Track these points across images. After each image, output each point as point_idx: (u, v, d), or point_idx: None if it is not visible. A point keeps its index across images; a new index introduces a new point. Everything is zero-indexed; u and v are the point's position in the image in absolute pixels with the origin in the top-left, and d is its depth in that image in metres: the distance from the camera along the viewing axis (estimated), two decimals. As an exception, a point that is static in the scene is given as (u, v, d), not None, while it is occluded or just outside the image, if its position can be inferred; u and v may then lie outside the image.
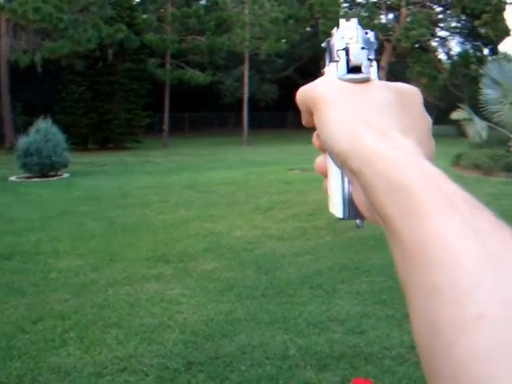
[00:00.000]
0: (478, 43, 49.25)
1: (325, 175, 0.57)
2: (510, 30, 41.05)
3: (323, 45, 0.59)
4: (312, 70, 47.75)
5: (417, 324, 0.40)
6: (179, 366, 4.37)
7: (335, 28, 0.58)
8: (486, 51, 49.16)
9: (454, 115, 18.55)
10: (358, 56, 0.54)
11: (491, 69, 17.54)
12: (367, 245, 7.80)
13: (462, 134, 20.74)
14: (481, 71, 19.51)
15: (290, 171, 17.05)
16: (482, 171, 16.13)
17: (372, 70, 0.55)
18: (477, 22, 38.67)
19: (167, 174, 18.25)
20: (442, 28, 51.61)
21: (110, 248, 8.07)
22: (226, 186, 14.18)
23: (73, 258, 7.57)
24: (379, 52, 42.29)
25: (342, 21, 0.58)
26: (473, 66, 40.79)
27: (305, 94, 0.56)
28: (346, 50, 0.55)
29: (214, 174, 17.40)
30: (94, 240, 8.58)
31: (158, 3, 35.26)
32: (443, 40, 52.80)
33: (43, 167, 16.50)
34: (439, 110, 50.32)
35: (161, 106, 35.86)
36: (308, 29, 45.01)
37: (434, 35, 49.34)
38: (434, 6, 47.13)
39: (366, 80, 0.54)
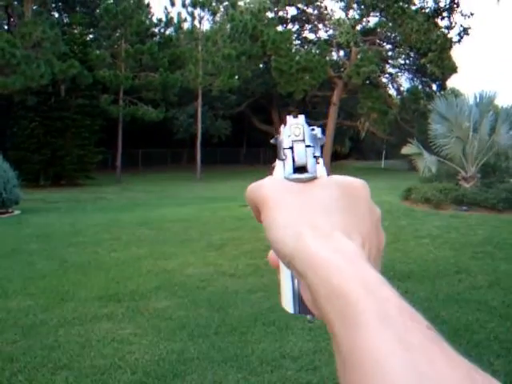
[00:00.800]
0: (426, 79, 50.40)
1: (278, 268, 0.58)
2: (456, 68, 42.15)
3: (272, 141, 0.61)
4: (264, 105, 48.29)
5: None
6: (130, 408, 4.32)
7: (283, 125, 0.60)
8: (434, 87, 50.35)
9: (404, 150, 18.92)
10: (303, 156, 0.56)
11: (439, 104, 17.95)
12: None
13: (412, 168, 21.12)
14: (429, 107, 19.97)
15: (242, 207, 17.06)
16: (432, 204, 16.42)
17: (318, 167, 0.56)
18: (423, 60, 39.59)
19: (120, 210, 18.11)
20: (391, 65, 52.69)
21: (61, 287, 7.95)
22: (178, 222, 14.13)
23: (23, 298, 7.43)
24: (331, 88, 42.99)
25: (289, 118, 0.60)
26: (422, 102, 41.74)
27: (253, 193, 0.57)
28: (292, 149, 0.57)
29: (167, 210, 17.34)
30: (44, 279, 8.44)
31: (112, 39, 35.25)
32: (393, 76, 53.85)
33: (-7, 204, 16.24)
34: (390, 145, 51.19)
35: (114, 142, 35.69)
36: (261, 65, 45.46)
37: (383, 71, 50.37)
38: (384, 44, 48.14)
39: (312, 179, 0.55)
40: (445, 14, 38.86)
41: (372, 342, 0.41)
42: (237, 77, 38.11)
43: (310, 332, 5.91)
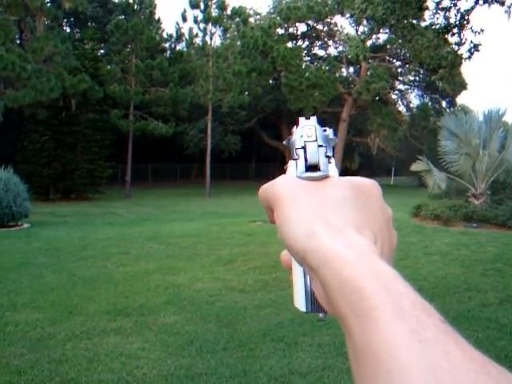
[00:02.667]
0: (436, 96, 50.46)
1: (290, 268, 0.58)
2: (466, 84, 42.18)
3: (284, 142, 0.62)
4: (274, 121, 48.40)
5: None
6: (138, 423, 4.29)
7: (295, 127, 0.61)
8: (444, 103, 50.37)
9: (414, 167, 18.88)
10: (315, 155, 0.57)
11: (449, 121, 17.91)
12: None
13: (422, 184, 21.08)
14: (439, 123, 19.93)
15: (251, 223, 17.05)
16: (442, 221, 16.35)
17: (330, 167, 0.57)
18: (433, 77, 39.58)
19: (129, 225, 18.13)
20: (401, 81, 52.80)
21: (70, 301, 7.95)
22: (187, 237, 14.11)
23: (31, 311, 7.42)
24: (341, 104, 43.05)
25: (301, 119, 0.61)
26: (431, 119, 41.71)
27: (265, 192, 0.58)
28: (304, 149, 0.57)
29: (176, 225, 17.34)
30: (53, 293, 8.44)
31: (123, 55, 35.44)
32: (403, 93, 53.97)
33: (3, 217, 16.27)
34: (399, 162, 51.20)
35: (124, 156, 35.79)
36: (270, 81, 45.62)
37: (393, 88, 50.48)
38: (393, 60, 48.25)
39: (324, 177, 0.56)
40: (455, 30, 38.88)
41: (386, 336, 0.41)
42: (247, 93, 38.23)
43: (318, 348, 5.88)
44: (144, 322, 6.96)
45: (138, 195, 34.07)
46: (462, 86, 42.09)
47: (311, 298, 0.55)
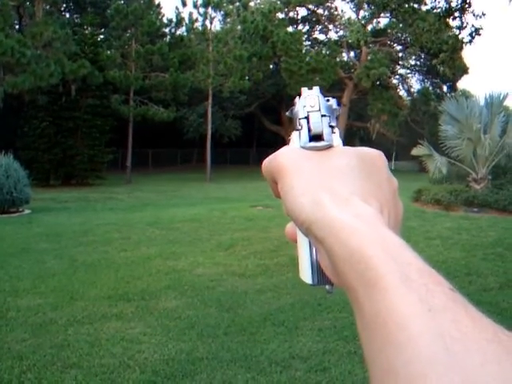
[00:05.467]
0: (437, 81, 50.30)
1: (295, 242, 0.58)
2: (467, 69, 42.05)
3: (287, 114, 0.61)
4: (275, 106, 48.27)
5: None
6: (139, 407, 4.31)
7: (297, 97, 0.60)
8: (445, 88, 50.22)
9: (415, 151, 18.86)
10: (319, 124, 0.56)
11: (450, 106, 17.88)
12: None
13: (422, 169, 21.06)
14: (440, 108, 19.89)
15: (252, 208, 17.07)
16: (443, 206, 16.37)
17: (334, 137, 0.56)
18: (434, 61, 39.45)
19: (130, 210, 18.14)
20: (402, 66, 52.61)
21: (71, 286, 7.97)
22: (188, 222, 14.13)
23: (32, 297, 7.44)
24: (341, 89, 42.93)
25: (304, 89, 0.60)
26: (432, 103, 41.59)
27: (269, 164, 0.57)
28: (308, 119, 0.57)
29: (177, 210, 17.35)
30: (54, 278, 8.46)
31: (122, 40, 35.27)
32: (403, 77, 53.78)
33: (4, 203, 16.27)
34: (400, 146, 51.11)
35: (124, 142, 35.72)
36: (271, 66, 45.46)
37: (394, 73, 50.28)
38: (394, 45, 48.07)
39: (328, 147, 0.55)
40: (456, 14, 38.70)
41: (394, 306, 0.40)
42: (247, 77, 38.11)
43: (319, 333, 5.90)
44: (145, 306, 6.98)
45: (139, 180, 34.06)
46: (463, 70, 41.94)
47: (317, 270, 0.54)
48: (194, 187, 29.91)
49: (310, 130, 0.56)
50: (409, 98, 51.58)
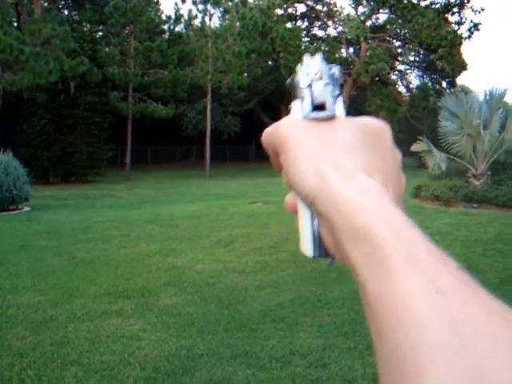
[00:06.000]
0: (436, 76, 50.29)
1: (295, 213, 0.56)
2: (466, 65, 42.02)
3: (288, 81, 0.59)
4: (274, 103, 48.21)
5: (381, 379, 0.40)
6: (139, 404, 4.32)
7: (299, 64, 0.58)
8: (444, 84, 50.21)
9: (414, 147, 18.83)
10: (322, 93, 0.54)
11: (449, 101, 17.85)
12: (329, 277, 7.83)
13: (422, 165, 21.06)
14: (439, 104, 19.88)
15: (252, 204, 17.06)
16: (442, 202, 16.35)
17: (337, 107, 0.54)
18: (433, 56, 39.49)
19: (129, 207, 18.13)
20: (401, 62, 52.58)
21: (71, 283, 7.97)
22: (187, 219, 14.12)
23: (32, 294, 7.44)
24: (340, 86, 42.89)
25: (306, 56, 0.58)
26: (431, 99, 41.58)
27: (270, 135, 0.56)
28: (310, 88, 0.55)
29: (176, 207, 17.34)
30: (54, 275, 8.45)
31: (121, 37, 35.27)
32: (402, 73, 53.77)
33: (3, 201, 16.26)
34: (399, 142, 50.98)
35: (123, 139, 35.72)
36: (270, 62, 45.44)
37: (393, 69, 50.28)
38: (393, 41, 48.05)
39: (332, 117, 0.54)
40: (455, 9, 38.76)
41: (401, 286, 0.39)
42: (246, 74, 38.10)
43: (319, 329, 5.90)
44: (145, 303, 6.98)
45: (138, 177, 34.05)
46: (462, 66, 41.88)
47: (319, 243, 0.53)
48: (194, 184, 29.92)
49: (312, 99, 0.54)
50: (408, 93, 51.60)
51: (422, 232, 0.43)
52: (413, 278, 0.39)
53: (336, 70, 0.57)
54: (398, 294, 0.39)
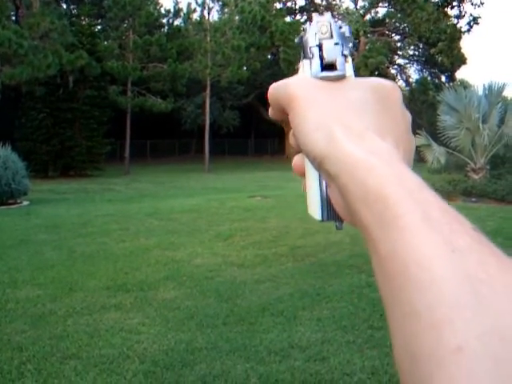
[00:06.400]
0: (435, 70, 50.27)
1: (302, 175, 0.56)
2: (465, 59, 41.99)
3: (296, 41, 0.58)
4: (273, 97, 48.07)
5: (396, 348, 0.39)
6: (139, 397, 4.32)
7: (308, 23, 0.57)
8: (443, 78, 50.19)
9: (413, 141, 18.82)
10: (332, 52, 0.53)
11: (448, 96, 17.86)
12: (328, 271, 7.84)
13: (421, 159, 21.07)
14: (438, 98, 19.89)
15: (251, 198, 17.07)
16: (441, 196, 16.32)
17: (347, 67, 0.53)
18: (433, 50, 39.47)
19: (128, 201, 18.13)
20: (400, 56, 52.55)
21: (70, 277, 7.97)
22: (187, 213, 14.12)
23: (31, 288, 7.44)
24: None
25: (315, 15, 0.56)
26: (431, 93, 41.57)
27: (277, 91, 0.55)
28: (320, 47, 0.54)
29: (175, 201, 17.34)
30: (53, 269, 8.46)
31: (120, 31, 35.22)
32: (402, 67, 53.74)
33: (2, 195, 16.26)
34: (398, 137, 51.03)
35: (122, 133, 35.70)
36: (269, 56, 45.40)
37: (392, 63, 50.24)
38: (393, 35, 47.99)
39: (342, 77, 0.53)
40: (454, 3, 38.70)
41: (415, 246, 0.38)
42: (245, 68, 38.06)
43: (318, 322, 5.91)
44: (144, 297, 6.99)
45: (137, 171, 34.04)
46: (461, 60, 41.87)
47: (327, 206, 0.52)
48: (193, 178, 29.93)
49: (322, 58, 0.53)
50: (407, 88, 51.55)
51: (435, 192, 0.43)
52: (428, 238, 0.38)
53: (346, 29, 0.56)
54: (413, 253, 0.38)
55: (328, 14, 0.56)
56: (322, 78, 0.53)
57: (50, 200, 18.64)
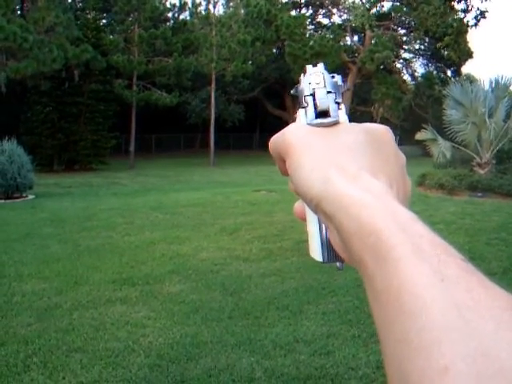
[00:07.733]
0: (441, 65, 50.09)
1: (304, 220, 0.58)
2: (472, 53, 41.84)
3: (292, 92, 0.61)
4: (278, 91, 48.14)
5: (389, 370, 0.40)
6: (144, 390, 4.33)
7: (302, 74, 0.60)
8: (449, 73, 50.02)
9: (419, 136, 18.80)
10: (325, 100, 0.56)
11: (454, 90, 17.81)
12: (333, 266, 7.83)
13: (426, 153, 21.03)
14: (444, 92, 19.84)
15: (256, 192, 17.06)
16: (447, 191, 16.34)
17: (340, 113, 0.56)
18: (439, 45, 39.34)
19: (133, 195, 18.15)
20: (406, 50, 52.39)
21: (75, 271, 7.98)
22: (192, 207, 14.13)
23: (37, 282, 7.46)
24: (345, 73, 42.78)
25: (308, 67, 0.60)
26: (436, 87, 41.45)
27: (276, 142, 0.57)
28: (313, 96, 0.56)
29: (181, 195, 17.35)
30: (58, 263, 8.47)
31: (125, 24, 35.17)
32: (407, 62, 53.57)
33: (8, 189, 16.31)
34: (404, 131, 50.97)
35: (127, 127, 35.70)
36: (274, 50, 45.32)
37: (398, 57, 50.11)
38: (398, 29, 47.83)
39: (335, 123, 0.55)
40: (461, -3, 38.57)
41: (407, 275, 0.40)
42: (250, 62, 38.01)
43: (323, 316, 5.91)
44: (149, 291, 7.00)
45: (142, 165, 34.07)
46: (468, 54, 41.72)
47: (327, 247, 0.54)
48: (198, 172, 29.94)
49: (316, 106, 0.56)
50: (413, 82, 51.44)
51: (427, 226, 0.44)
52: (419, 268, 0.40)
53: (338, 78, 0.59)
54: (405, 283, 0.40)
55: (321, 65, 0.60)
56: (317, 125, 0.55)
57: (55, 194, 18.68)
